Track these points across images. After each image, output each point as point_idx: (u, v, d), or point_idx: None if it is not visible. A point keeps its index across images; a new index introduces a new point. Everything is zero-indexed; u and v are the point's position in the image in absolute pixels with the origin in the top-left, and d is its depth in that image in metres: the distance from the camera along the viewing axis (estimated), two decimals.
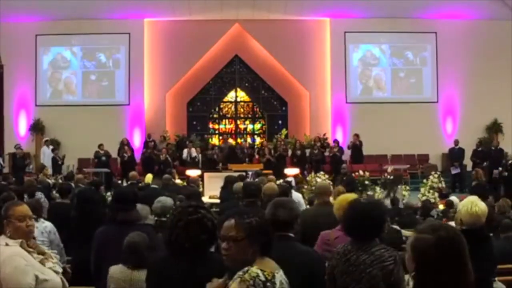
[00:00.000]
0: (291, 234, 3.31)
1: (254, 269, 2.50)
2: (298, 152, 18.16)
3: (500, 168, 16.20)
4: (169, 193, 8.66)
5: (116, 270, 4.05)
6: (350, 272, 3.20)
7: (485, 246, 3.90)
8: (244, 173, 11.93)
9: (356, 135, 18.27)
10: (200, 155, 18.19)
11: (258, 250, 2.60)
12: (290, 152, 18.57)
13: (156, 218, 5.44)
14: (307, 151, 18.41)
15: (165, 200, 5.64)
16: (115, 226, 4.42)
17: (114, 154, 17.99)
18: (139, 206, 4.90)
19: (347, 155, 18.44)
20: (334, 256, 3.30)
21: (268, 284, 2.47)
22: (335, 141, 18.43)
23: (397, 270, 3.18)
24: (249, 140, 20.96)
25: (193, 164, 17.38)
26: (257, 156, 18.74)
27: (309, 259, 3.26)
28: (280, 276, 2.57)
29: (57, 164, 17.08)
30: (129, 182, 12.00)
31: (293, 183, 12.58)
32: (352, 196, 4.72)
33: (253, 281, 2.46)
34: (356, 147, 18.21)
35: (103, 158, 17.32)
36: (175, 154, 18.35)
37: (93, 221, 5.10)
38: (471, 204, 3.96)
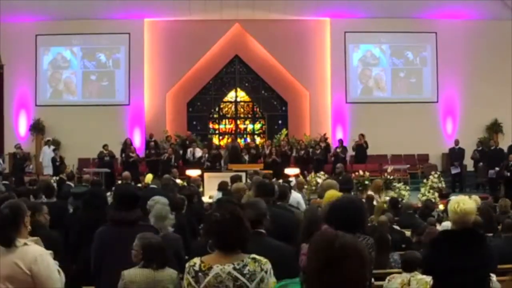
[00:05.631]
0: (262, 230, 3.76)
1: (195, 260, 2.92)
2: (302, 152, 18.12)
3: (497, 168, 16.18)
4: (171, 193, 8.66)
5: (136, 274, 3.85)
6: None
7: (480, 246, 3.90)
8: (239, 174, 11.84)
9: (362, 135, 18.25)
10: (206, 155, 18.03)
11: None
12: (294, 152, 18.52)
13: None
14: (310, 151, 18.37)
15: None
16: (115, 226, 4.42)
17: (116, 154, 17.95)
18: (159, 206, 4.94)
19: (348, 155, 18.46)
20: None
21: (200, 274, 2.86)
22: (340, 141, 18.41)
23: (370, 254, 3.54)
24: (249, 140, 20.89)
25: (198, 164, 17.30)
26: (262, 157, 18.59)
27: (279, 253, 3.60)
28: (219, 269, 2.85)
29: (57, 164, 17.08)
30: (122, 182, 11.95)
31: (293, 183, 12.44)
32: (337, 193, 4.96)
33: (189, 269, 2.90)
34: (361, 147, 18.20)
35: (107, 158, 17.31)
36: (179, 154, 18.27)
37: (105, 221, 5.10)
38: (457, 204, 3.97)
